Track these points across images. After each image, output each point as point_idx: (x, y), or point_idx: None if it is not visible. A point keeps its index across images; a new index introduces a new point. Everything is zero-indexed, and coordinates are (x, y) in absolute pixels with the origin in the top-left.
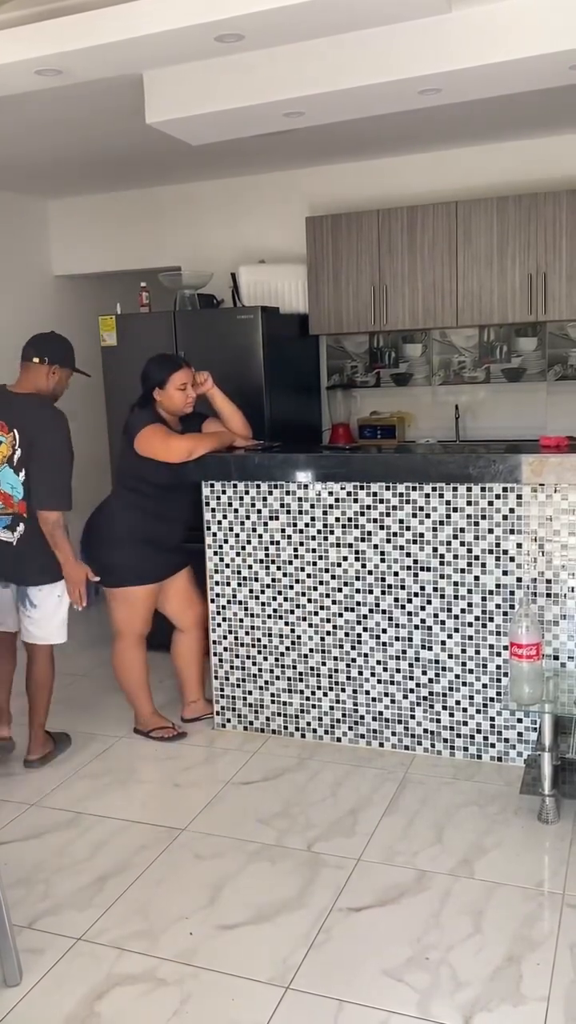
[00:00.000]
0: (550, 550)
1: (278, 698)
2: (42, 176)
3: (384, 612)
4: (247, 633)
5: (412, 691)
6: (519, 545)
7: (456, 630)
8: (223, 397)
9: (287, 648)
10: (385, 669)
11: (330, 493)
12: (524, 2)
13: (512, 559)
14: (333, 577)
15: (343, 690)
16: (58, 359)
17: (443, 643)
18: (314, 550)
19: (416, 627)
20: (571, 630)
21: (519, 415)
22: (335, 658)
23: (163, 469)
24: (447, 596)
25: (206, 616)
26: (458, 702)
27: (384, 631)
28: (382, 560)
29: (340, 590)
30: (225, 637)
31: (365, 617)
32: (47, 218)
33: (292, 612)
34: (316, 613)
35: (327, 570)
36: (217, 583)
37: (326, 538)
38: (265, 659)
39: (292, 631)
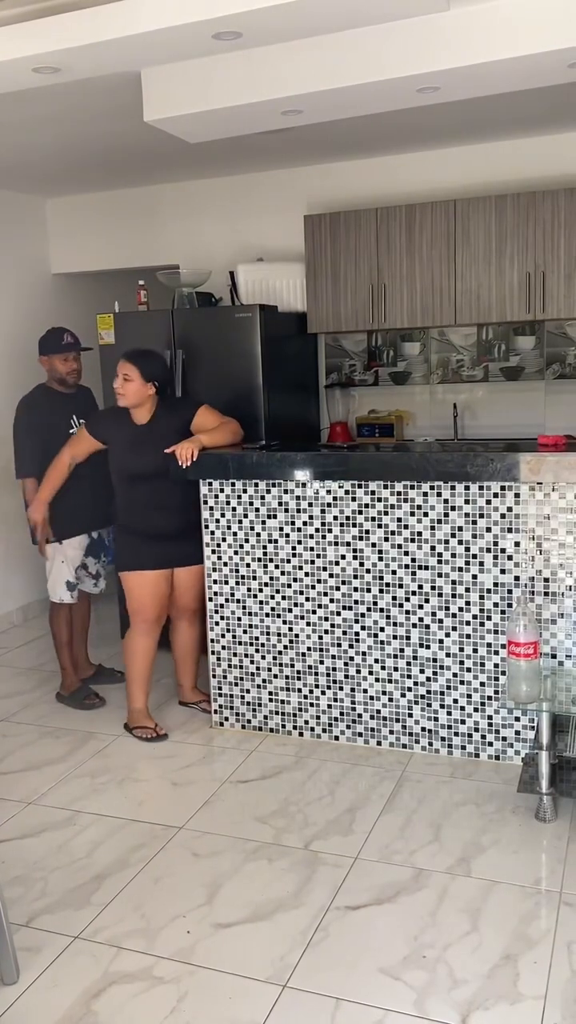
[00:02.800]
0: (548, 548)
1: (276, 696)
2: (40, 174)
3: (382, 611)
4: (245, 631)
5: (410, 689)
6: (517, 544)
7: (454, 628)
8: (210, 441)
9: (285, 646)
10: (383, 667)
11: (328, 492)
12: (522, 0)
13: (510, 558)
14: (331, 576)
15: (341, 688)
16: (39, 351)
17: (441, 642)
18: (312, 548)
19: (414, 625)
20: (568, 629)
21: (517, 414)
22: (333, 656)
23: (112, 458)
24: (445, 595)
25: (198, 610)
26: (456, 700)
27: (382, 629)
28: (380, 559)
29: (338, 588)
30: (223, 635)
31: (363, 615)
32: (45, 216)
33: (290, 611)
34: (314, 611)
35: (325, 568)
36: (215, 581)
37: (324, 536)
38: (263, 657)
39: (290, 629)
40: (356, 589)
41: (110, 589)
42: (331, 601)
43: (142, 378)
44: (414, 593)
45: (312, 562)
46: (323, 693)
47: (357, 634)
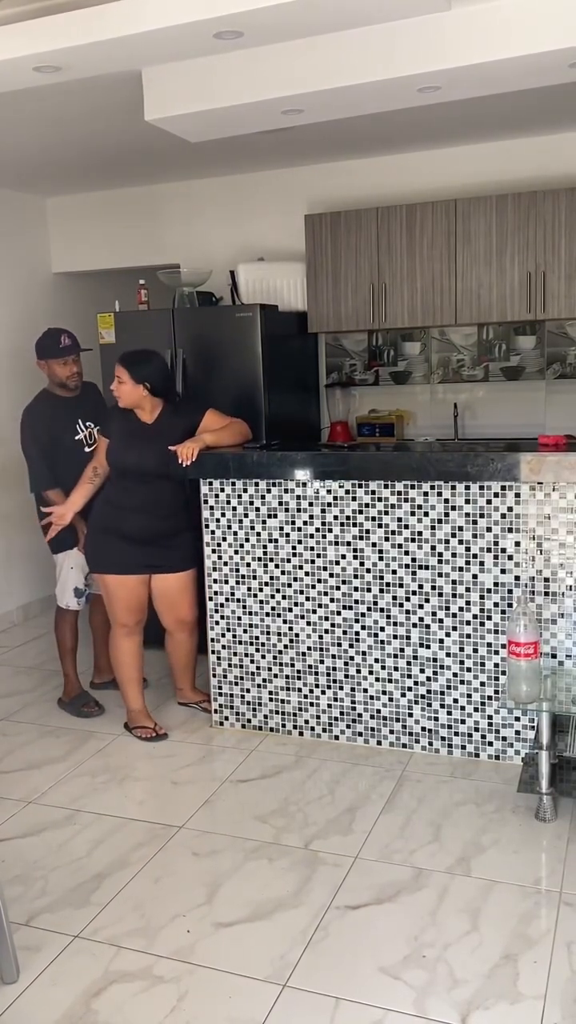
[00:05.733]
0: (548, 548)
1: (276, 696)
2: (41, 173)
3: (382, 610)
4: (245, 631)
5: (410, 689)
6: (517, 543)
7: (454, 628)
8: (214, 440)
9: (285, 646)
10: (383, 667)
11: (328, 491)
12: (523, 0)
13: (510, 557)
14: (331, 575)
15: (341, 688)
16: (36, 354)
17: (441, 641)
18: (312, 548)
19: (414, 625)
20: (569, 628)
21: (518, 413)
22: (333, 656)
23: (109, 450)
24: (445, 594)
25: (193, 621)
26: (456, 700)
27: (382, 629)
28: (380, 558)
29: (338, 588)
30: (223, 635)
31: (363, 615)
32: (46, 215)
33: (290, 610)
34: (314, 611)
35: (325, 568)
36: (215, 581)
37: (324, 536)
38: (263, 657)
39: (290, 629)
40: (356, 589)
41: None
42: (331, 601)
43: (132, 380)
44: (414, 593)
45: (312, 562)
46: (323, 693)
47: (357, 634)
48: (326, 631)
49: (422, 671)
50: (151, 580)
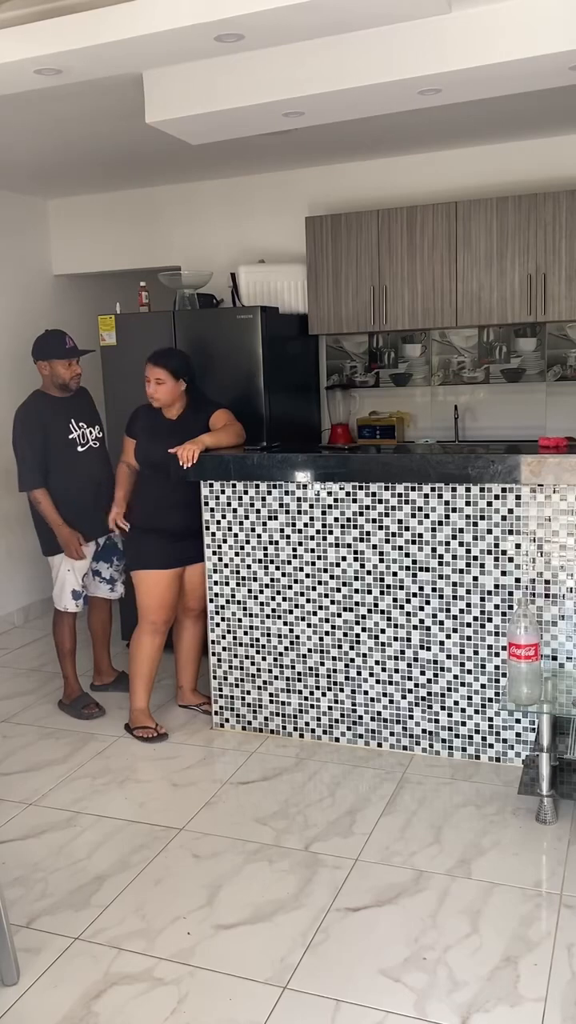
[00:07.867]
0: (548, 550)
1: (276, 698)
2: (42, 175)
3: (383, 612)
4: (246, 633)
5: (410, 691)
6: (518, 546)
7: (455, 630)
8: (213, 442)
9: (286, 648)
10: (383, 669)
11: (329, 493)
12: (524, 2)
13: (511, 559)
14: (332, 577)
15: (341, 690)
16: (37, 355)
17: (441, 643)
18: (313, 550)
19: (415, 627)
20: (569, 630)
21: (518, 416)
22: (334, 658)
23: (138, 449)
24: (446, 596)
25: (200, 609)
26: (456, 702)
27: (383, 631)
28: (381, 560)
29: (339, 590)
30: (224, 637)
31: (364, 617)
32: (47, 217)
33: (291, 612)
34: (315, 613)
35: (326, 570)
36: (216, 583)
37: (325, 538)
38: (264, 659)
39: (291, 631)
40: (357, 591)
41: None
42: (332, 603)
43: (173, 377)
44: (415, 595)
45: (313, 564)
46: (324, 695)
47: (358, 636)
48: (327, 633)
49: (423, 673)
50: (184, 573)
